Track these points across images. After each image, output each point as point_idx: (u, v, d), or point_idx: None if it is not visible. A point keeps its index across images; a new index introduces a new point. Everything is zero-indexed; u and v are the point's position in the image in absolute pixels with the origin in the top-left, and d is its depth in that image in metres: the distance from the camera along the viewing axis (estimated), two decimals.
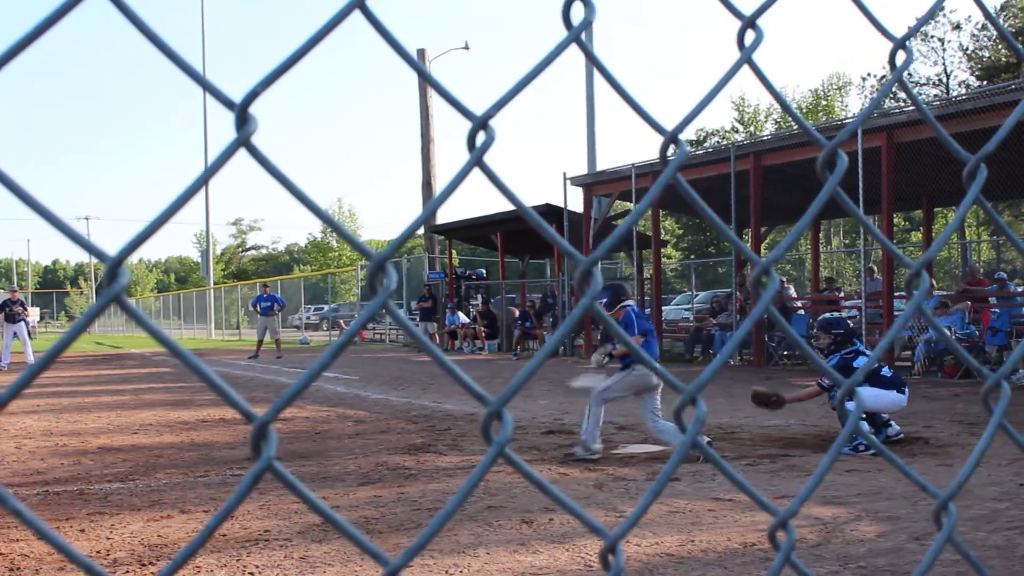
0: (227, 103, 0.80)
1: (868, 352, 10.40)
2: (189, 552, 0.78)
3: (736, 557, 5.76)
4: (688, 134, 73.68)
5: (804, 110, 68.02)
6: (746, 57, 1.06)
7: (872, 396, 9.57)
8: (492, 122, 0.91)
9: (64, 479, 8.82)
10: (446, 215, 40.06)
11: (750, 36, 1.06)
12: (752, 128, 68.99)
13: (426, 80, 0.89)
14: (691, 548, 5.98)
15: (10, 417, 13.86)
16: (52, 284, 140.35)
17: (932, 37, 56.96)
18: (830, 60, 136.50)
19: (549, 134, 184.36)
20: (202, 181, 0.76)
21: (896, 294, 20.79)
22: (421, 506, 7.30)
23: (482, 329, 31.90)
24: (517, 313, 31.61)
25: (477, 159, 0.90)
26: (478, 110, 0.95)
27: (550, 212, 28.45)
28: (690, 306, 34.41)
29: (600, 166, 30.27)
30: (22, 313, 27.26)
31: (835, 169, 1.03)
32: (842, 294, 28.43)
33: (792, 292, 27.19)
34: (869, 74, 63.15)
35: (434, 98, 40.02)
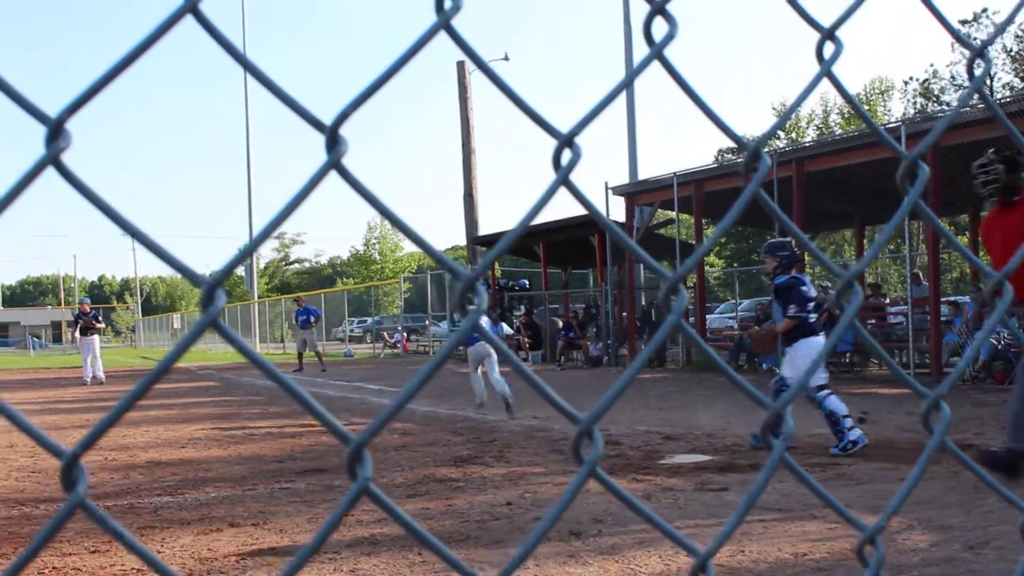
0: (317, 125, 0.80)
1: (807, 280, 10.61)
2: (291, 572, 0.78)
3: (787, 568, 5.71)
4: (729, 141, 73.35)
5: (846, 115, 67.61)
6: (826, 70, 1.05)
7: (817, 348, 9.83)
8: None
9: (114, 493, 8.89)
10: (488, 226, 40.11)
11: (829, 48, 1.05)
12: (794, 135, 68.64)
13: (511, 98, 0.88)
14: (741, 559, 5.94)
15: (61, 431, 14.01)
16: (99, 300, 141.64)
17: (975, 39, 56.43)
18: (872, 64, 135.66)
19: (590, 143, 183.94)
20: (297, 201, 0.76)
21: (942, 300, 20.58)
22: (469, 518, 7.30)
23: (526, 340, 31.88)
24: (560, 324, 31.58)
25: (563, 178, 0.89)
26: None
27: (592, 222, 28.40)
28: (734, 314, 34.25)
29: (641, 175, 30.21)
30: (95, 326, 27.14)
31: (916, 181, 1.02)
32: (887, 300, 28.19)
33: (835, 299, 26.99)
34: (912, 78, 62.71)
35: (475, 109, 40.13)
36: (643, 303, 29.71)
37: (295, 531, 6.97)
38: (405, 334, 48.37)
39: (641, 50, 1.00)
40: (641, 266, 31.19)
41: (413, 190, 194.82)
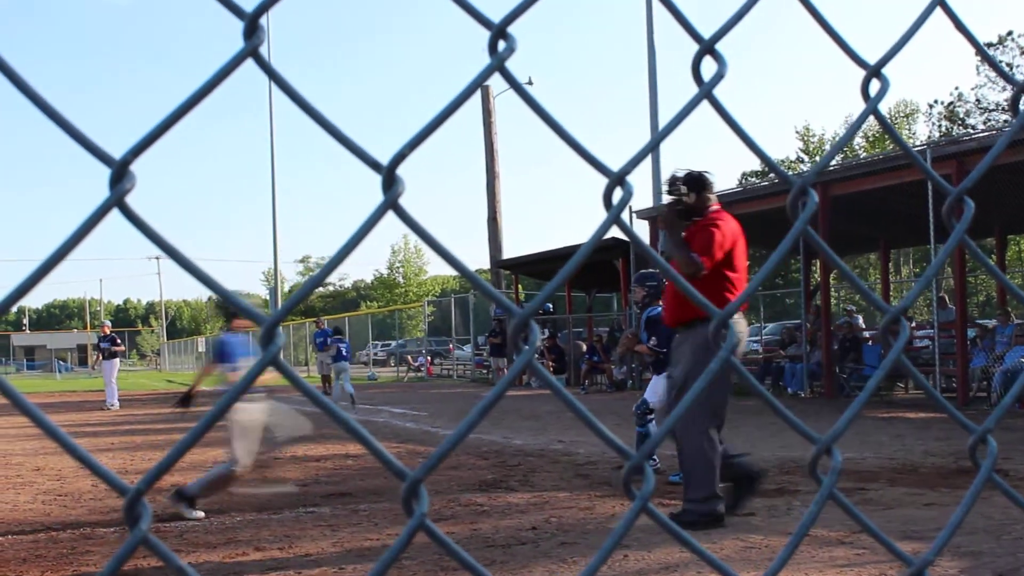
0: (374, 165, 0.81)
1: None
2: None
3: None
4: (753, 165, 73.37)
5: (871, 138, 67.47)
6: (872, 107, 1.05)
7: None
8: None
9: None
10: (512, 250, 40.15)
11: (875, 86, 1.05)
12: (818, 158, 68.52)
13: (563, 137, 0.89)
14: None
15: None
16: (124, 323, 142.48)
17: (1000, 62, 56.15)
18: (896, 87, 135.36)
19: (612, 166, 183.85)
20: (354, 242, 0.77)
21: (969, 323, 20.46)
22: (495, 543, 7.28)
23: (550, 364, 31.83)
24: (584, 347, 31.52)
25: (615, 216, 0.90)
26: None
27: (616, 246, 28.37)
28: (759, 338, 34.10)
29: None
30: (114, 349, 26.84)
31: (962, 217, 1.02)
32: (914, 324, 28.03)
33: (860, 322, 26.90)
34: (937, 101, 62.48)
35: (499, 134, 40.23)
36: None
37: (320, 555, 6.97)
38: (429, 357, 48.45)
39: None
40: None
41: (436, 212, 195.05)
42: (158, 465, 0.75)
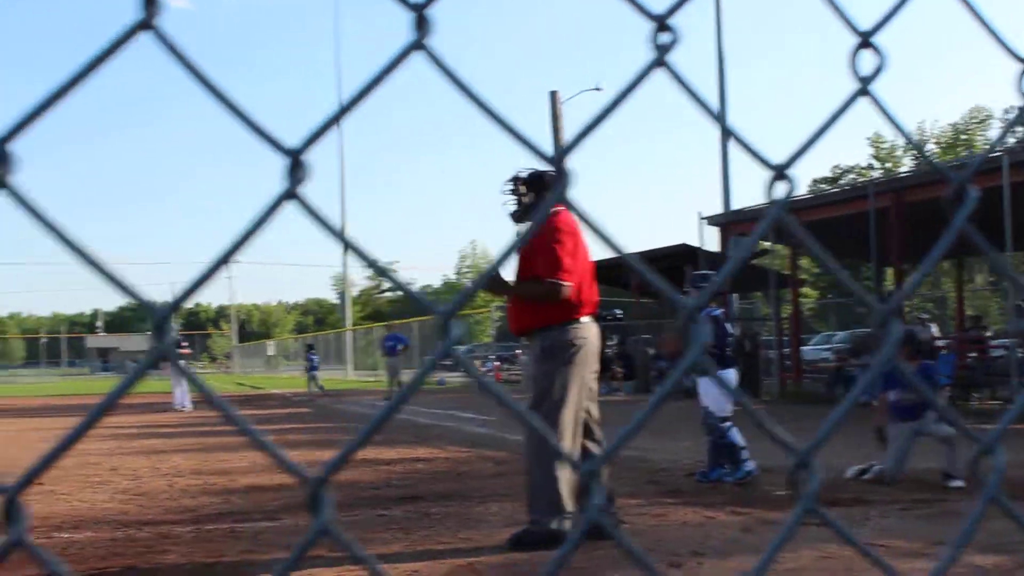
0: (545, 170, 0.81)
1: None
2: None
3: None
4: (823, 171, 72.64)
5: (943, 144, 66.54)
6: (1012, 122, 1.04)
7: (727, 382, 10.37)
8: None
9: (215, 516, 9.01)
10: None
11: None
12: (889, 164, 67.67)
13: (734, 139, 0.88)
14: None
15: (161, 455, 14.29)
16: (195, 326, 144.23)
17: None
18: (970, 93, 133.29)
19: (681, 173, 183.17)
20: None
21: None
22: None
23: (619, 370, 31.73)
24: (653, 354, 31.39)
25: (781, 210, 0.89)
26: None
27: (686, 252, 28.20)
28: (829, 346, 33.77)
29: (735, 204, 29.98)
30: (180, 352, 26.66)
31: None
32: (990, 333, 27.54)
33: (935, 331, 26.52)
34: (1013, 106, 61.49)
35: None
36: (736, 334, 29.44)
37: (394, 559, 6.99)
38: (497, 363, 48.47)
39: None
40: (736, 296, 30.90)
41: (497, 219, 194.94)
42: (340, 454, 0.75)
